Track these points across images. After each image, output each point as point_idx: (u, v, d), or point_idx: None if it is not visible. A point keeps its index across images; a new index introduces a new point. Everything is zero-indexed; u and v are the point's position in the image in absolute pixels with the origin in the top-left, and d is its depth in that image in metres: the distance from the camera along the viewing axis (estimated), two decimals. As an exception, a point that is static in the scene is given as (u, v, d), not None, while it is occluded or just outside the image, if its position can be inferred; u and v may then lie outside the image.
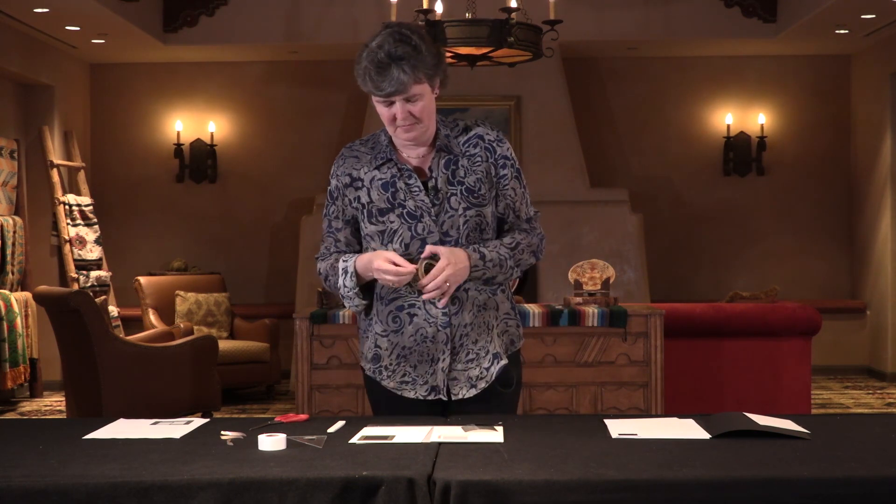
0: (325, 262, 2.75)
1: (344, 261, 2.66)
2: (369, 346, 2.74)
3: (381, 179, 2.64)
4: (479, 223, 2.66)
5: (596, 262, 5.21)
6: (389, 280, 2.54)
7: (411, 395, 2.70)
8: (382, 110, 2.57)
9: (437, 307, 2.63)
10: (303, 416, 2.57)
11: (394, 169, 2.64)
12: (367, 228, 2.67)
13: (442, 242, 2.61)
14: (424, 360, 2.67)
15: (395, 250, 2.62)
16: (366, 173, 2.66)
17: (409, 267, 2.53)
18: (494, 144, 2.68)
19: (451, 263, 2.54)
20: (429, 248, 2.55)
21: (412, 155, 2.66)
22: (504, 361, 2.73)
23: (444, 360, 2.67)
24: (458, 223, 2.63)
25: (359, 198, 2.67)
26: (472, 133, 2.68)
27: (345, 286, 2.64)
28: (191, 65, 9.45)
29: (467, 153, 2.66)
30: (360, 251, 2.73)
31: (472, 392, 2.69)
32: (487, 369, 2.70)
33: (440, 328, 2.64)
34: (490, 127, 2.71)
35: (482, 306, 2.68)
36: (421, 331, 2.65)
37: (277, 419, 2.53)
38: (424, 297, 2.56)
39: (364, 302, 2.68)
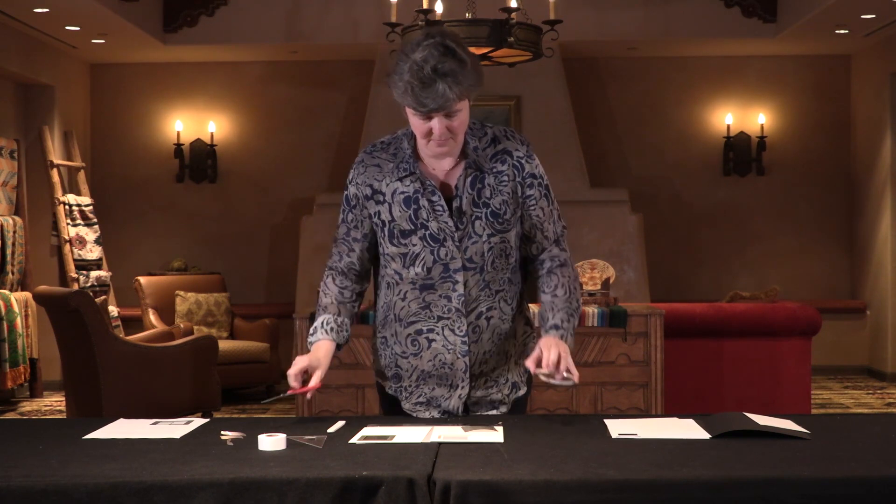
0: (324, 291, 2.66)
1: (322, 325, 2.59)
2: (388, 363, 2.68)
3: (403, 193, 2.53)
4: (504, 249, 2.58)
5: (596, 262, 5.21)
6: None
7: (426, 415, 2.64)
8: (417, 123, 2.45)
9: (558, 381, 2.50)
10: (315, 385, 2.53)
11: (417, 183, 2.53)
12: (388, 249, 2.57)
13: (465, 268, 2.54)
14: (443, 385, 2.62)
15: (416, 273, 2.55)
16: (387, 185, 2.55)
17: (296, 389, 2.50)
18: (523, 161, 2.57)
19: (556, 348, 2.46)
20: (533, 359, 2.46)
21: (438, 168, 2.55)
22: (523, 391, 2.70)
23: (462, 387, 2.62)
24: (483, 249, 2.55)
25: (379, 213, 2.56)
26: (501, 147, 2.56)
27: (309, 339, 2.61)
28: (191, 65, 9.45)
29: (494, 170, 2.55)
30: (367, 273, 2.68)
31: (493, 412, 2.66)
32: (508, 395, 2.67)
33: (459, 356, 2.58)
34: (519, 140, 2.59)
35: (503, 335, 2.63)
36: (440, 356, 2.59)
37: (290, 391, 2.51)
38: (557, 379, 2.45)
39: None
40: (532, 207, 2.60)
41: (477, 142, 2.55)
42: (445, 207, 2.53)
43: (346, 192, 2.63)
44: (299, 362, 2.53)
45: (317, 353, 2.56)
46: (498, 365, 2.64)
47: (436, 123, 2.42)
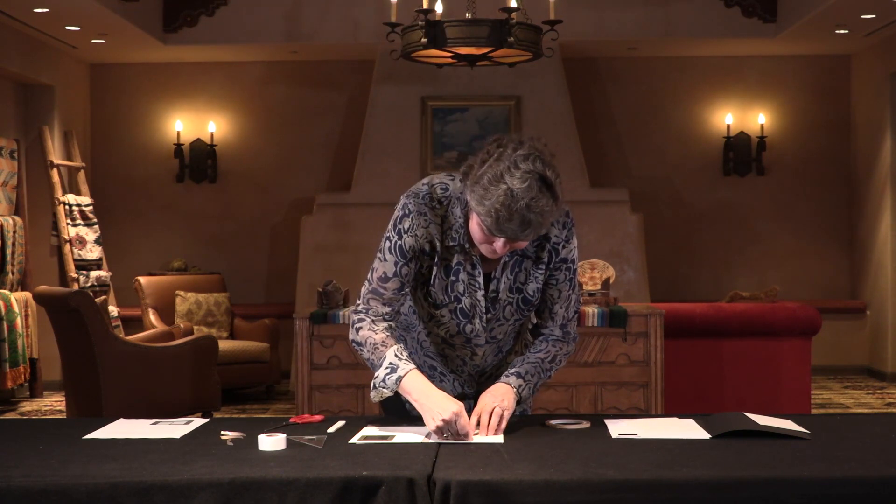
0: (373, 330, 2.49)
1: (397, 356, 2.42)
2: None
3: (445, 260, 2.47)
4: (524, 325, 2.67)
5: (596, 262, 5.21)
6: (432, 426, 2.32)
7: None
8: (482, 235, 2.35)
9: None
10: (318, 417, 2.57)
11: (462, 255, 2.47)
12: (422, 302, 2.54)
13: (487, 343, 2.57)
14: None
15: (437, 335, 2.57)
16: (438, 247, 2.47)
17: (469, 430, 2.31)
18: (559, 247, 2.50)
19: (504, 406, 2.41)
20: (476, 415, 2.39)
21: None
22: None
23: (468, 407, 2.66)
24: (507, 330, 2.58)
25: (432, 269, 2.49)
26: (542, 233, 2.45)
27: (383, 382, 2.41)
28: (191, 65, 9.45)
29: (534, 255, 2.50)
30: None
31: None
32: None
33: (466, 397, 2.63)
34: (562, 223, 2.50)
35: (506, 364, 2.68)
36: (446, 391, 2.56)
37: (293, 420, 2.51)
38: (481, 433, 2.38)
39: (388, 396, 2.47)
40: (550, 288, 2.56)
41: None
42: (482, 285, 2.49)
43: (398, 241, 2.45)
44: (450, 408, 2.31)
45: (441, 394, 2.37)
46: (502, 369, 2.68)
47: (500, 244, 2.35)
